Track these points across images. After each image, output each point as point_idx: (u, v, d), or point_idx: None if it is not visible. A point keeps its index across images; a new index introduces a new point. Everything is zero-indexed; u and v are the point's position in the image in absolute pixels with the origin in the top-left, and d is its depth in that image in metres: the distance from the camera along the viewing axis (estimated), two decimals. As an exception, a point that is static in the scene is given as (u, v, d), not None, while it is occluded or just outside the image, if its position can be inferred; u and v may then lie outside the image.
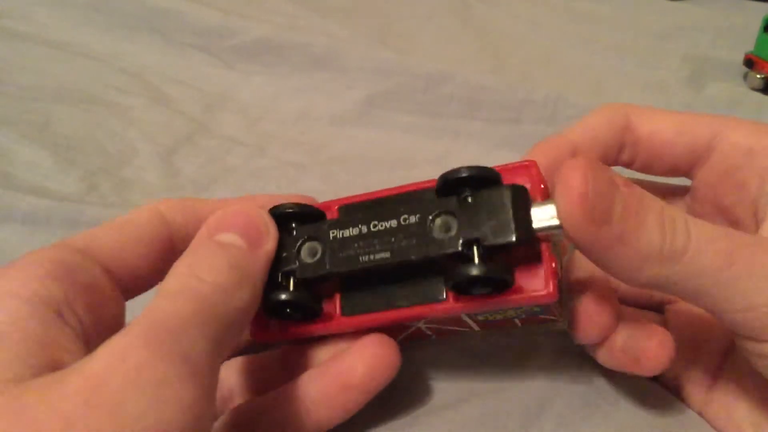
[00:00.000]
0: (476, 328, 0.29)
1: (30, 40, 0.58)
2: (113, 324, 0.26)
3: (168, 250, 0.28)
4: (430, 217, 0.26)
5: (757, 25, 0.53)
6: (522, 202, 0.25)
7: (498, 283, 0.25)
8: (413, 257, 0.26)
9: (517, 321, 0.29)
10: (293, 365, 0.30)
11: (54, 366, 0.21)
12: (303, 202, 0.29)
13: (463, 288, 0.25)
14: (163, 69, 0.57)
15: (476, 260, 0.24)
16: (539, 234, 0.25)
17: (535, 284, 0.25)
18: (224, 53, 0.57)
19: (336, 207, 0.29)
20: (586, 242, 0.24)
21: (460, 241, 0.25)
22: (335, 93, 0.54)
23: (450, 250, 0.25)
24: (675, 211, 0.25)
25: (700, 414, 0.30)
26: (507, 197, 0.25)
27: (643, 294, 0.34)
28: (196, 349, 0.21)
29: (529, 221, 0.25)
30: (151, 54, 0.58)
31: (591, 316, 0.28)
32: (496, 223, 0.24)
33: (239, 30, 0.57)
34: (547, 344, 0.34)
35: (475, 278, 0.24)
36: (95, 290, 0.25)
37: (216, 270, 0.24)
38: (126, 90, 0.54)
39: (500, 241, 0.24)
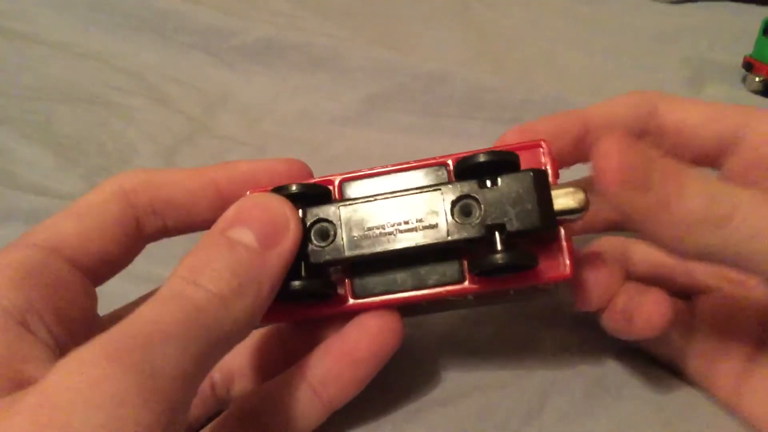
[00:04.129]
0: (471, 298, 0.29)
1: (31, 40, 0.58)
2: (84, 318, 0.25)
3: (133, 230, 0.27)
4: (451, 202, 0.26)
5: (755, 28, 0.53)
6: (543, 186, 0.25)
7: (520, 265, 0.25)
8: (435, 242, 0.26)
9: (510, 292, 0.29)
10: (294, 345, 0.30)
11: (18, 381, 0.20)
12: (291, 166, 0.29)
13: (486, 272, 0.25)
14: (163, 69, 0.57)
15: (499, 245, 0.25)
16: (558, 217, 0.25)
17: (554, 265, 0.26)
18: (225, 53, 0.57)
19: (337, 181, 0.28)
20: (630, 211, 0.24)
21: (484, 227, 0.25)
22: (335, 93, 0.54)
23: (473, 236, 0.25)
24: (715, 179, 0.25)
25: (732, 408, 0.30)
26: (530, 182, 0.25)
27: (668, 281, 0.33)
28: (169, 364, 0.20)
29: (551, 206, 0.25)
30: (152, 54, 0.58)
31: (587, 285, 0.28)
32: (520, 209, 0.25)
33: (240, 30, 0.57)
34: (549, 337, 0.34)
35: (502, 265, 0.24)
36: (62, 287, 0.24)
37: (217, 276, 0.22)
38: (127, 90, 0.55)
39: (525, 227, 0.25)
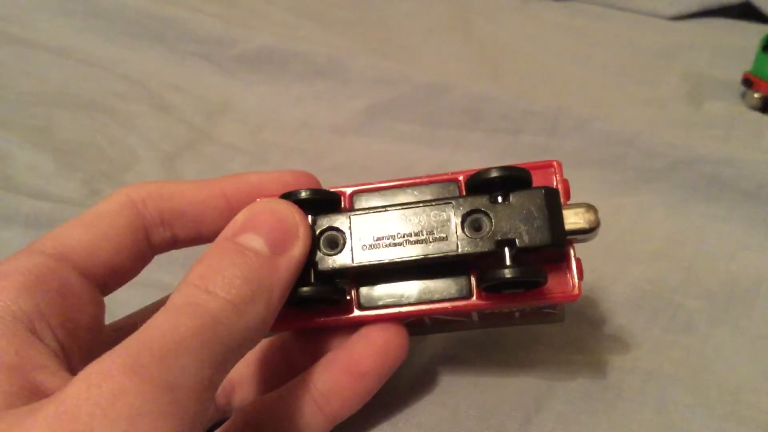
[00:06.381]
0: (476, 318, 0.30)
1: (32, 46, 0.58)
2: (91, 327, 0.25)
3: (142, 241, 0.27)
4: (462, 215, 0.26)
5: (755, 45, 0.53)
6: (555, 204, 0.25)
7: (529, 283, 0.25)
8: (445, 255, 0.26)
9: (516, 314, 0.29)
10: (296, 355, 0.30)
11: (30, 389, 0.20)
12: (299, 178, 0.29)
13: (494, 287, 0.25)
14: (164, 76, 0.57)
15: (508, 261, 0.25)
16: (568, 236, 0.25)
17: (563, 284, 0.26)
18: (226, 62, 0.57)
19: (349, 192, 0.28)
20: None
21: (494, 242, 0.25)
22: (336, 102, 0.54)
23: (483, 250, 0.25)
24: None
25: None
26: (542, 200, 0.25)
27: None
28: (187, 376, 0.20)
29: (561, 224, 0.25)
30: (153, 61, 0.58)
31: None
32: (531, 225, 0.25)
33: (241, 39, 0.57)
34: (550, 336, 0.34)
35: (511, 280, 0.24)
36: (69, 295, 0.24)
37: (229, 283, 0.22)
38: (127, 97, 0.55)
39: (536, 243, 0.25)
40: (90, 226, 0.26)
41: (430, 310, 0.27)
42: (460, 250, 0.25)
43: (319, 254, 0.26)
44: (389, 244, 0.26)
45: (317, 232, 0.27)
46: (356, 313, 0.27)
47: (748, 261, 0.40)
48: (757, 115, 0.52)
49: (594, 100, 0.54)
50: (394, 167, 0.49)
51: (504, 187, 0.25)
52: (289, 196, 0.27)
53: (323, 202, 0.27)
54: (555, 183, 0.27)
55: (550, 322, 0.30)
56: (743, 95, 0.54)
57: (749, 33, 0.60)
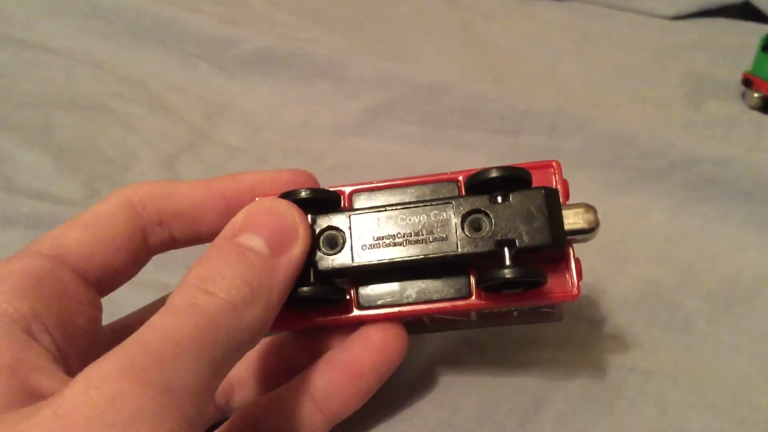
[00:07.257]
0: (474, 318, 0.30)
1: (32, 47, 0.58)
2: (89, 329, 0.25)
3: (140, 241, 0.27)
4: (462, 215, 0.26)
5: (755, 45, 0.53)
6: (554, 205, 0.25)
7: (528, 283, 0.25)
8: (445, 255, 0.26)
9: (514, 313, 0.29)
10: (295, 356, 0.30)
11: (28, 391, 0.20)
12: (298, 177, 0.29)
13: (493, 287, 0.25)
14: (165, 77, 0.57)
15: (508, 261, 0.25)
16: (568, 236, 0.25)
17: (562, 284, 0.26)
18: (226, 62, 0.57)
19: (348, 191, 0.28)
20: None
21: (494, 242, 0.25)
22: (337, 103, 0.54)
23: (483, 250, 0.25)
24: None
25: None
26: (542, 200, 0.25)
27: None
28: (185, 378, 0.20)
29: (561, 224, 0.25)
30: (153, 62, 0.58)
31: None
32: (531, 225, 0.25)
33: (241, 39, 0.57)
34: (549, 336, 0.34)
35: (511, 280, 0.24)
36: (66, 297, 0.24)
37: (228, 284, 0.22)
38: (128, 98, 0.54)
39: (536, 243, 0.25)
40: (87, 227, 0.26)
41: (430, 309, 0.27)
42: (459, 250, 0.25)
43: (318, 254, 0.26)
44: (389, 244, 0.26)
45: (317, 231, 0.27)
46: (356, 312, 0.27)
47: (748, 261, 0.40)
48: (757, 115, 0.52)
49: (594, 100, 0.54)
50: (394, 167, 0.49)
51: (504, 187, 0.25)
52: (289, 196, 0.27)
53: (323, 201, 0.27)
54: (554, 183, 0.27)
55: (548, 321, 0.30)
56: (743, 95, 0.54)
57: (749, 33, 0.60)
